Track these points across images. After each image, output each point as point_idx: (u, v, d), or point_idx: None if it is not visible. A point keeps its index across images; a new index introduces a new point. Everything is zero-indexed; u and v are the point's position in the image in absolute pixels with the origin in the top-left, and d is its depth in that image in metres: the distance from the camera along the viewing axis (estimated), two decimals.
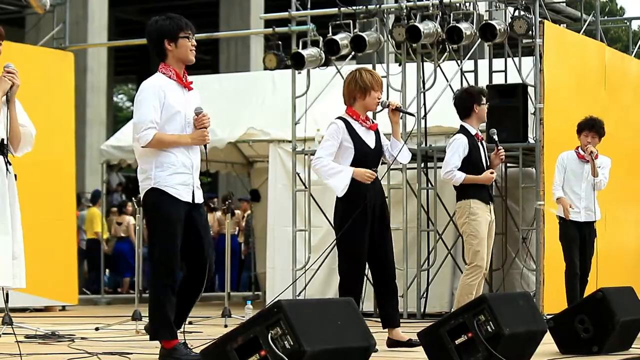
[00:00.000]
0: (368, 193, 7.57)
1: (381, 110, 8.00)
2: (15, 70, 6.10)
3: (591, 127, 10.21)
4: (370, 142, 7.69)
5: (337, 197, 7.68)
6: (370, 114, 8.13)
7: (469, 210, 9.03)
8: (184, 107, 6.66)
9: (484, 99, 9.18)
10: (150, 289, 6.64)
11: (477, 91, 9.40)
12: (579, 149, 10.31)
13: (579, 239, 10.25)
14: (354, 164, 7.58)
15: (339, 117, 7.76)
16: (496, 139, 9.21)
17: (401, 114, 7.93)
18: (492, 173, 9.01)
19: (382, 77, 9.04)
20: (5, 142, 6.04)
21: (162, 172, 6.55)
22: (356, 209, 7.52)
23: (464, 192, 9.09)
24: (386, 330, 7.80)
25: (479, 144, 9.12)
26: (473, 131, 9.10)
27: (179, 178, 6.58)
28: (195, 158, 6.72)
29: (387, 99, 10.97)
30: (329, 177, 7.59)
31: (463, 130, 9.08)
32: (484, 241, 9.04)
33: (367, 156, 7.64)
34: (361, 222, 7.55)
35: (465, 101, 9.18)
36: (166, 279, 6.50)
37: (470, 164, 8.99)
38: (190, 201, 6.62)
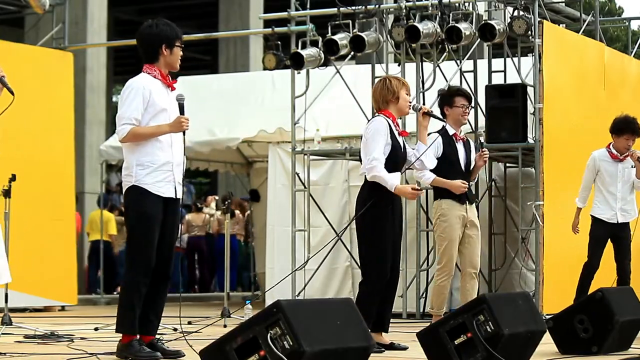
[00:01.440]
0: (394, 198, 7.68)
1: (407, 114, 8.12)
2: None
3: (634, 131, 9.99)
4: (402, 146, 7.83)
5: (362, 196, 7.71)
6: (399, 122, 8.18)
7: (440, 212, 9.11)
8: (168, 106, 6.85)
9: (460, 101, 9.17)
10: (123, 283, 6.89)
11: (448, 93, 9.44)
12: (611, 147, 10.12)
13: (607, 239, 10.11)
14: (388, 160, 7.65)
15: (382, 116, 7.80)
16: (435, 115, 8.90)
17: (431, 118, 8.03)
18: (463, 184, 8.96)
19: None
20: None
21: (143, 170, 6.73)
22: (385, 213, 7.63)
23: (437, 192, 9.17)
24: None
25: (458, 144, 9.13)
26: (451, 131, 9.15)
27: (160, 175, 6.75)
28: (177, 154, 6.86)
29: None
30: (385, 177, 7.61)
31: (442, 129, 9.13)
32: (453, 243, 9.06)
33: (399, 159, 7.76)
34: (388, 225, 7.64)
35: (439, 102, 9.39)
36: (139, 276, 6.71)
37: (445, 163, 8.99)
38: (173, 196, 6.80)
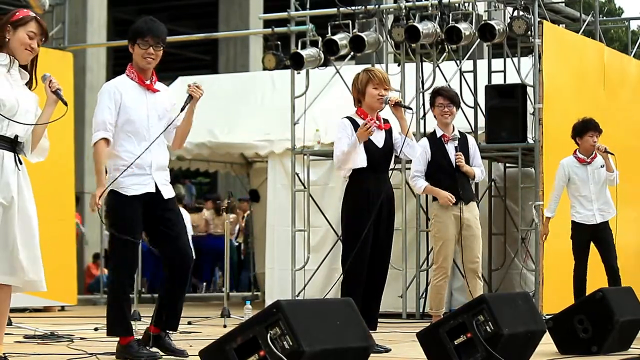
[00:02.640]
0: (373, 193, 7.58)
1: (382, 109, 7.92)
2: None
3: (595, 127, 10.16)
4: (379, 141, 7.69)
5: (344, 197, 7.70)
6: (382, 114, 8.01)
7: (434, 212, 9.19)
8: (144, 109, 6.70)
9: (439, 100, 9.18)
10: (109, 286, 6.88)
11: (431, 94, 9.50)
12: (577, 152, 10.30)
13: (589, 243, 10.24)
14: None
15: (346, 117, 7.78)
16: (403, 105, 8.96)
17: (404, 109, 7.85)
18: (450, 198, 9.01)
19: None
20: (19, 139, 5.99)
21: (117, 172, 6.66)
22: (362, 208, 7.55)
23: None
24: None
25: (448, 145, 9.15)
26: (439, 132, 9.18)
27: (135, 179, 6.67)
28: (156, 158, 6.73)
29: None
30: (347, 148, 7.55)
31: (432, 132, 9.24)
32: (447, 242, 9.11)
33: (374, 155, 7.65)
34: (368, 221, 7.53)
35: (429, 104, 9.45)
36: (123, 277, 6.70)
37: (434, 167, 9.10)
38: (153, 190, 6.67)
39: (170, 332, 6.92)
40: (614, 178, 10.29)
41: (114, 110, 6.62)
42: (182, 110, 6.79)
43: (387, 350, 7.49)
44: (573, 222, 10.31)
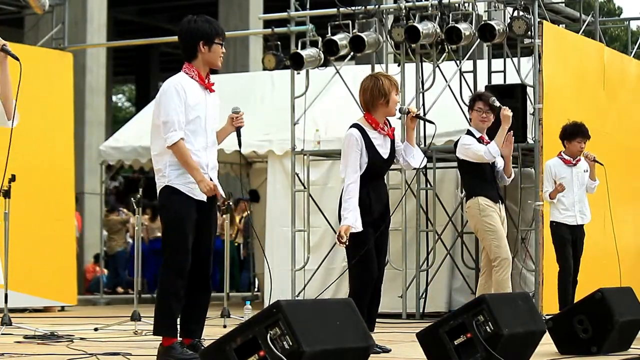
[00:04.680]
0: (373, 200, 7.54)
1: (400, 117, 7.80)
2: None
3: (584, 134, 10.28)
4: (384, 152, 7.59)
5: (340, 205, 7.63)
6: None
7: (478, 208, 9.03)
8: (204, 109, 6.68)
9: (477, 105, 9.16)
10: (159, 285, 6.68)
11: (472, 97, 9.48)
12: (563, 154, 10.41)
13: (571, 240, 10.35)
14: (366, 172, 7.51)
15: (355, 125, 7.60)
16: (497, 104, 9.13)
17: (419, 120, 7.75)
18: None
19: None
20: None
21: (175, 170, 6.57)
22: (362, 214, 7.45)
23: (471, 190, 9.16)
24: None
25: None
26: (477, 134, 9.16)
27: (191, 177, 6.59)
28: (211, 158, 6.72)
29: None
30: (349, 208, 7.47)
31: (467, 132, 9.20)
32: (502, 233, 9.04)
33: (377, 164, 7.58)
34: (368, 227, 7.48)
35: (468, 106, 9.38)
36: (174, 278, 6.54)
37: (476, 165, 9.07)
38: (205, 200, 6.62)
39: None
40: (594, 187, 10.47)
41: (182, 108, 6.56)
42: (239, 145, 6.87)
43: (387, 351, 7.47)
44: (553, 223, 10.37)
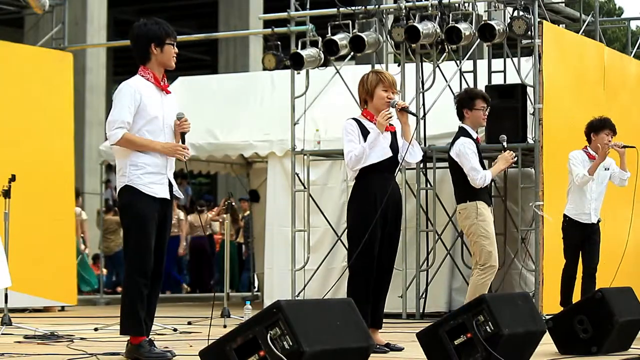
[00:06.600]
0: (380, 194, 7.52)
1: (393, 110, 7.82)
2: None
3: (612, 127, 10.13)
4: (384, 143, 7.60)
5: (350, 198, 7.66)
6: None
7: (476, 212, 8.97)
8: (161, 110, 6.80)
9: (480, 103, 9.08)
10: (124, 286, 6.85)
11: (469, 96, 9.27)
12: (588, 148, 10.23)
13: (582, 241, 10.25)
14: (368, 165, 7.52)
15: (352, 118, 7.70)
16: (504, 145, 9.17)
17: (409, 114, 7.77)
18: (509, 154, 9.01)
19: None
20: None
21: (136, 170, 6.70)
22: (369, 208, 7.48)
23: (468, 193, 9.04)
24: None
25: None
26: (474, 134, 9.08)
27: (153, 177, 6.72)
28: (170, 158, 6.83)
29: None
30: (368, 149, 7.48)
31: (463, 132, 9.04)
32: (494, 240, 9.05)
33: (379, 160, 7.57)
34: (376, 221, 7.48)
35: (458, 104, 9.19)
36: (138, 277, 6.67)
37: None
38: (168, 197, 6.77)
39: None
40: (626, 179, 10.30)
41: (132, 110, 6.68)
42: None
43: (400, 349, 7.51)
44: (566, 217, 10.28)
